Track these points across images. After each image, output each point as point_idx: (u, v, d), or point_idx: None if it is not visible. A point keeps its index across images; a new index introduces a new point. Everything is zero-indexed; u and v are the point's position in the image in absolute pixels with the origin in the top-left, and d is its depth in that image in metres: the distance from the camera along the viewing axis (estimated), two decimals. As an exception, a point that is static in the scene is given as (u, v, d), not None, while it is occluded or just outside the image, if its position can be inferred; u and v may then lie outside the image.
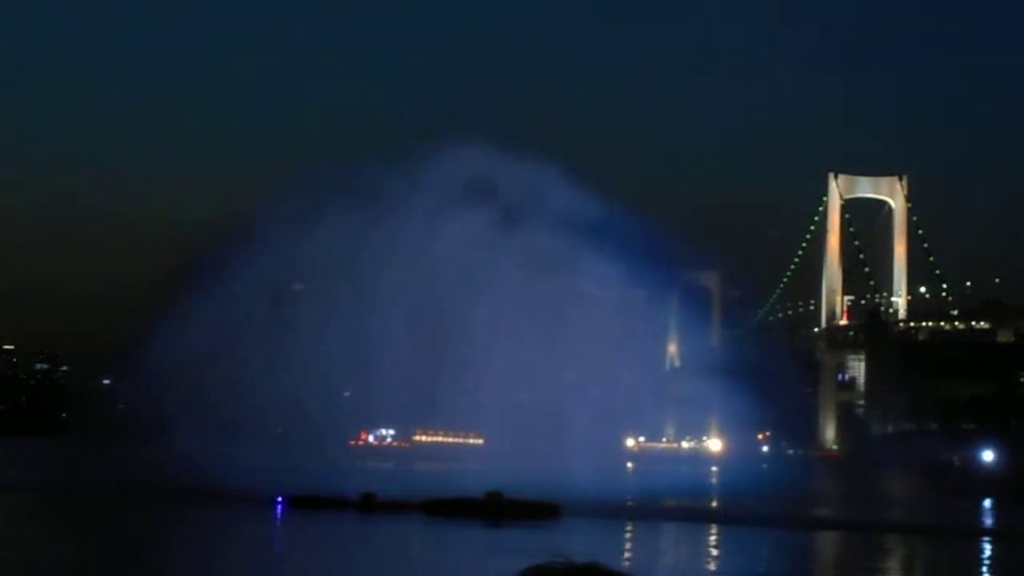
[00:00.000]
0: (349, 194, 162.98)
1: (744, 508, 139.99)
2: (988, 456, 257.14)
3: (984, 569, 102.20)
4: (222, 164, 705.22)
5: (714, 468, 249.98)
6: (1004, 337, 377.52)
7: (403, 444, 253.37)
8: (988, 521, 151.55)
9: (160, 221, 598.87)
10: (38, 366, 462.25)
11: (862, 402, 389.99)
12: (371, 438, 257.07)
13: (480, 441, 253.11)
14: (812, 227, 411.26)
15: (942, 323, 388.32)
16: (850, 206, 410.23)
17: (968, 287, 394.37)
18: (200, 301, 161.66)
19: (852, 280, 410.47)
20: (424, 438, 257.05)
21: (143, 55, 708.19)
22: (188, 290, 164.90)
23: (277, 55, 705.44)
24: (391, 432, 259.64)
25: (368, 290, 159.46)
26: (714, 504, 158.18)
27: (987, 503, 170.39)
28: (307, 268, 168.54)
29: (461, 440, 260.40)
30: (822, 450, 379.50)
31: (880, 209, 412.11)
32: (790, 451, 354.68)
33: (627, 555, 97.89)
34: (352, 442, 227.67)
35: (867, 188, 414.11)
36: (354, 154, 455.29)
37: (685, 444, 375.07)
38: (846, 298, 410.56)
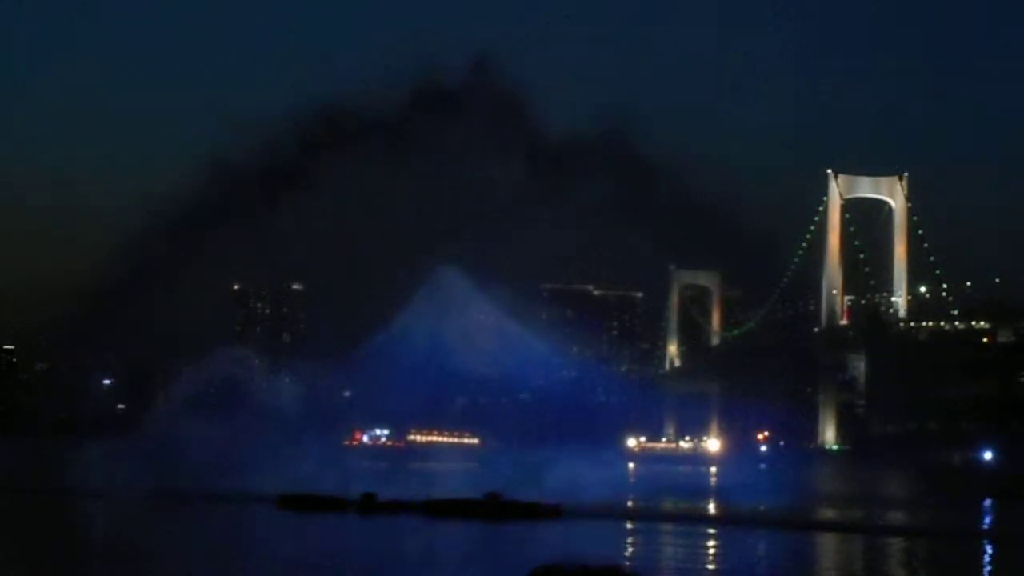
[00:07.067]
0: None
1: (743, 509, 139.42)
2: (988, 456, 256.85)
3: (984, 571, 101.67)
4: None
5: (712, 468, 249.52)
6: (1004, 337, 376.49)
7: (397, 444, 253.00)
8: (988, 521, 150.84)
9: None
10: (38, 366, 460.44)
11: (862, 402, 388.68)
12: (365, 438, 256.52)
13: (476, 441, 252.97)
14: (812, 227, 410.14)
15: (942, 323, 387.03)
16: (850, 206, 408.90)
17: (968, 287, 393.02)
18: (198, 299, 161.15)
19: (852, 280, 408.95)
20: (419, 438, 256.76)
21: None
22: (186, 289, 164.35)
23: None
24: (385, 432, 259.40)
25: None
26: (712, 506, 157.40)
27: (987, 503, 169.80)
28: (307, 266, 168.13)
29: (456, 440, 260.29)
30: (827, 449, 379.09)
31: (880, 209, 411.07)
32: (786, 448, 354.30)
33: (628, 555, 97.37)
34: (347, 442, 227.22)
35: (867, 188, 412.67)
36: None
37: (684, 444, 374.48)
38: (846, 298, 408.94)
